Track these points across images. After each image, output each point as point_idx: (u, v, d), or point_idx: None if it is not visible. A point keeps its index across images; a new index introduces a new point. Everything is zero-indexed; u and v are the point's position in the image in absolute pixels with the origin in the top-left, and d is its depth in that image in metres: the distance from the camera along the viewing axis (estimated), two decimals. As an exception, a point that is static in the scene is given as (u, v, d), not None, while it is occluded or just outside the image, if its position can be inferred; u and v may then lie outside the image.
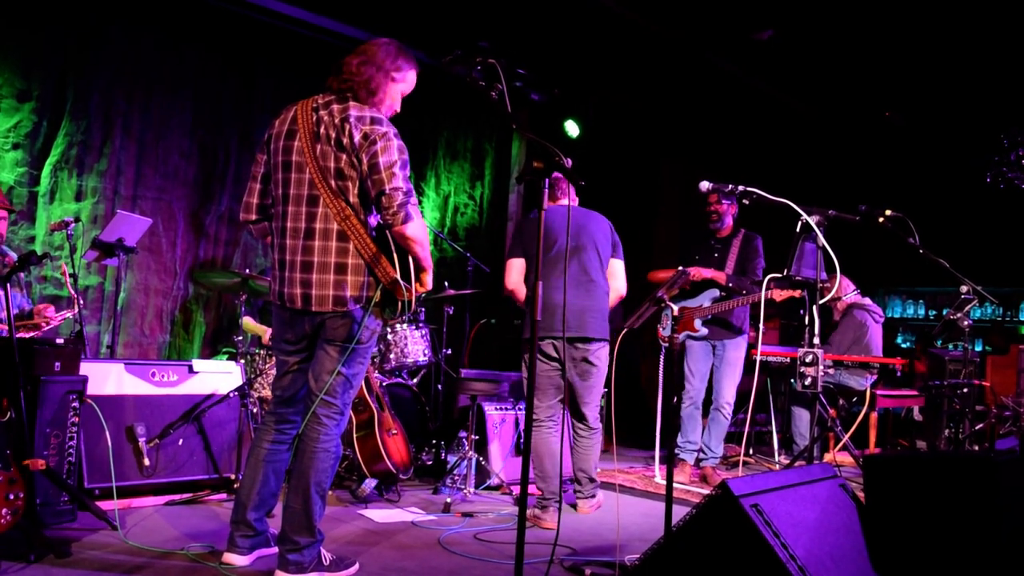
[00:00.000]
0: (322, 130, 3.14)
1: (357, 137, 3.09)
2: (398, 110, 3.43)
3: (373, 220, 3.22)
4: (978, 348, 9.42)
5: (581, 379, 4.63)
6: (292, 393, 3.40)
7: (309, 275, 3.17)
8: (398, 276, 3.14)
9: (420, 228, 3.14)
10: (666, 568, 2.52)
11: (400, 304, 3.22)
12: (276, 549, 3.37)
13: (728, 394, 5.77)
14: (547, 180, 2.81)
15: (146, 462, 4.25)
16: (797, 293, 4.88)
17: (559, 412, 4.62)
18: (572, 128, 8.13)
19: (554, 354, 4.56)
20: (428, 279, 3.33)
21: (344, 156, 3.12)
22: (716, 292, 5.74)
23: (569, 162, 2.86)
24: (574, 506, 4.87)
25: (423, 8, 6.66)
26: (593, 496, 4.83)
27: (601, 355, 4.64)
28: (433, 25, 6.89)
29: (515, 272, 4.65)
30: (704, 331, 5.75)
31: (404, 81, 3.40)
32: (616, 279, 4.74)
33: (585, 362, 4.60)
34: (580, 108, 8.24)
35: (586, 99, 8.26)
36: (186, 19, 6.14)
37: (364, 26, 6.84)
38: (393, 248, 3.17)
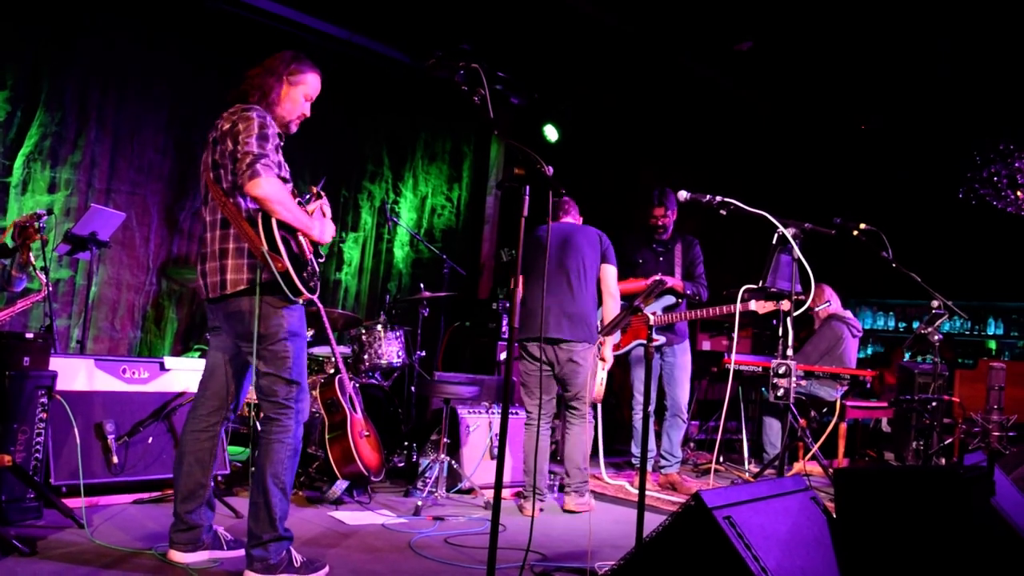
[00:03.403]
0: (212, 134, 3.31)
1: (227, 126, 3.23)
2: (307, 113, 3.52)
3: (250, 203, 3.23)
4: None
5: (568, 377, 4.86)
6: (212, 384, 3.45)
7: (204, 264, 3.31)
8: (265, 248, 3.11)
9: (271, 185, 3.10)
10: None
11: (289, 281, 3.15)
12: (230, 552, 3.44)
13: (684, 398, 5.85)
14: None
15: (115, 460, 4.19)
16: (784, 305, 4.92)
17: (550, 410, 4.93)
18: (551, 133, 8.15)
19: (541, 356, 4.81)
20: (317, 235, 3.34)
21: (219, 147, 3.24)
22: (671, 299, 5.78)
23: (550, 170, 2.86)
24: (562, 503, 5.01)
25: (403, 9, 6.65)
26: (581, 493, 4.94)
27: (587, 356, 4.86)
28: (414, 27, 6.88)
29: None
30: (662, 339, 5.79)
31: (304, 84, 3.47)
32: (607, 284, 4.98)
33: (571, 362, 4.83)
34: (560, 113, 8.26)
35: (566, 104, 8.28)
36: (163, 13, 6.09)
37: (343, 24, 6.82)
38: (260, 220, 3.16)
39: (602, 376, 5.05)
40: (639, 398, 5.86)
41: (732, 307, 5.34)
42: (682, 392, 5.85)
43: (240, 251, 3.23)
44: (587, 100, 8.42)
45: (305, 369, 3.38)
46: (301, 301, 3.29)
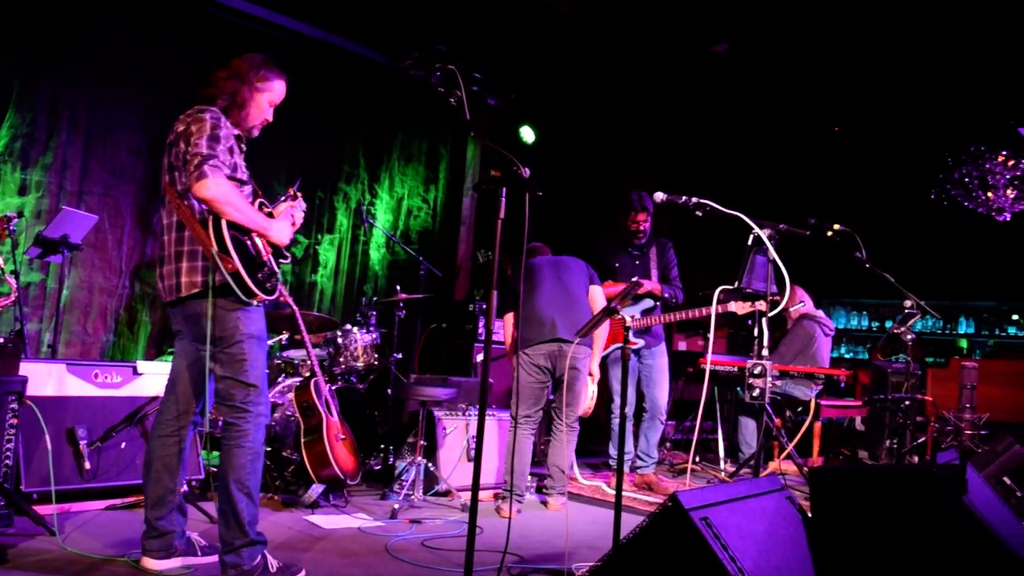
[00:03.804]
0: (169, 136, 3.30)
1: (181, 128, 3.23)
2: (270, 119, 3.53)
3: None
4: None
5: (569, 385, 4.99)
6: (177, 388, 3.43)
7: (162, 268, 3.32)
8: (214, 249, 3.10)
9: (218, 186, 3.09)
10: (616, 579, 2.53)
11: (241, 283, 3.13)
12: (204, 558, 3.44)
13: (664, 399, 5.90)
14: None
15: (87, 465, 4.14)
16: (762, 306, 4.96)
17: (537, 418, 5.07)
18: (528, 134, 8.15)
19: (546, 365, 4.96)
20: (274, 236, 3.33)
21: (173, 150, 3.24)
22: (649, 302, 5.82)
23: (527, 171, 2.86)
24: (544, 503, 5.12)
25: (380, 9, 6.63)
26: (563, 493, 5.07)
27: (586, 363, 5.07)
28: (390, 27, 6.86)
29: (510, 326, 5.16)
30: (640, 342, 5.82)
31: (270, 91, 3.48)
32: (596, 301, 5.19)
33: (573, 368, 4.98)
34: (536, 114, 8.26)
35: (543, 105, 8.28)
36: (135, 12, 6.03)
37: (319, 24, 6.79)
38: (210, 222, 3.14)
39: (592, 390, 5.17)
40: (617, 400, 5.88)
41: (711, 309, 5.37)
42: (662, 393, 5.89)
43: (194, 253, 3.23)
44: (564, 101, 8.43)
45: (265, 372, 3.36)
46: (256, 303, 3.27)
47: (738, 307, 5.34)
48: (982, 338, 10.81)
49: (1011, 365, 6.59)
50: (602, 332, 5.19)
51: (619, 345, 5.77)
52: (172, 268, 3.26)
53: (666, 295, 5.85)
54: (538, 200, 2.85)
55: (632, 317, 5.78)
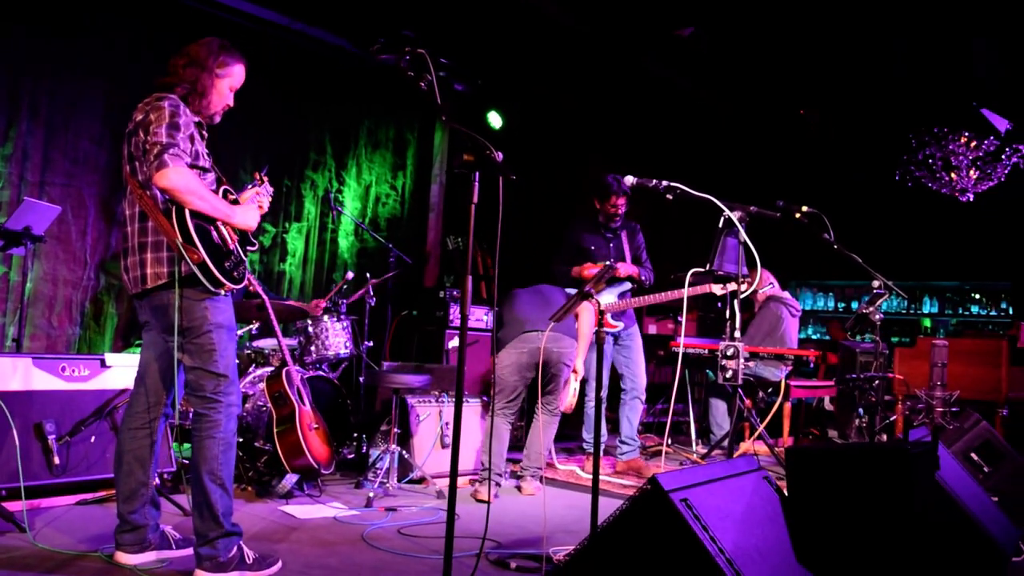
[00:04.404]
0: (128, 125, 3.25)
1: (140, 117, 3.19)
2: (231, 104, 3.49)
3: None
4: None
5: (552, 378, 5.12)
6: (147, 380, 3.40)
7: (127, 259, 3.27)
8: (179, 240, 3.07)
9: (179, 175, 3.06)
10: (598, 561, 2.54)
11: (208, 273, 3.11)
12: (179, 551, 3.41)
13: (643, 380, 5.98)
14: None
15: (56, 460, 4.07)
16: (741, 287, 5.00)
17: (516, 407, 5.16)
18: (495, 119, 8.12)
19: (529, 360, 5.05)
20: (239, 222, 3.31)
21: (133, 139, 3.20)
22: (627, 285, 5.86)
23: (500, 155, 2.84)
24: (519, 488, 5.17)
25: (345, -5, 6.57)
26: (536, 477, 5.13)
27: (572, 357, 5.16)
28: (355, 13, 6.79)
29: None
30: (620, 324, 5.85)
31: (230, 76, 3.44)
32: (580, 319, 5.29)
33: (560, 363, 5.10)
34: (504, 99, 8.23)
35: (513, 91, 8.25)
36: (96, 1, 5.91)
37: (284, 11, 6.70)
38: (173, 212, 3.11)
39: (575, 386, 5.22)
40: (592, 383, 5.90)
41: (693, 290, 5.42)
42: (641, 373, 5.98)
43: (159, 244, 3.18)
44: (531, 87, 8.40)
45: (234, 361, 3.34)
46: (224, 292, 3.24)
47: (718, 288, 5.38)
48: (945, 317, 10.98)
49: (974, 343, 6.69)
50: (587, 330, 5.22)
51: (595, 329, 5.80)
52: (137, 260, 3.22)
53: (643, 278, 5.89)
54: (512, 184, 2.83)
55: (611, 300, 5.82)
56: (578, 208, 6.98)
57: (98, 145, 5.97)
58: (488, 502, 4.53)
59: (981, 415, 5.03)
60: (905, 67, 7.31)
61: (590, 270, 5.68)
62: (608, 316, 5.81)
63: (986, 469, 4.68)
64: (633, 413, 5.94)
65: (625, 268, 5.82)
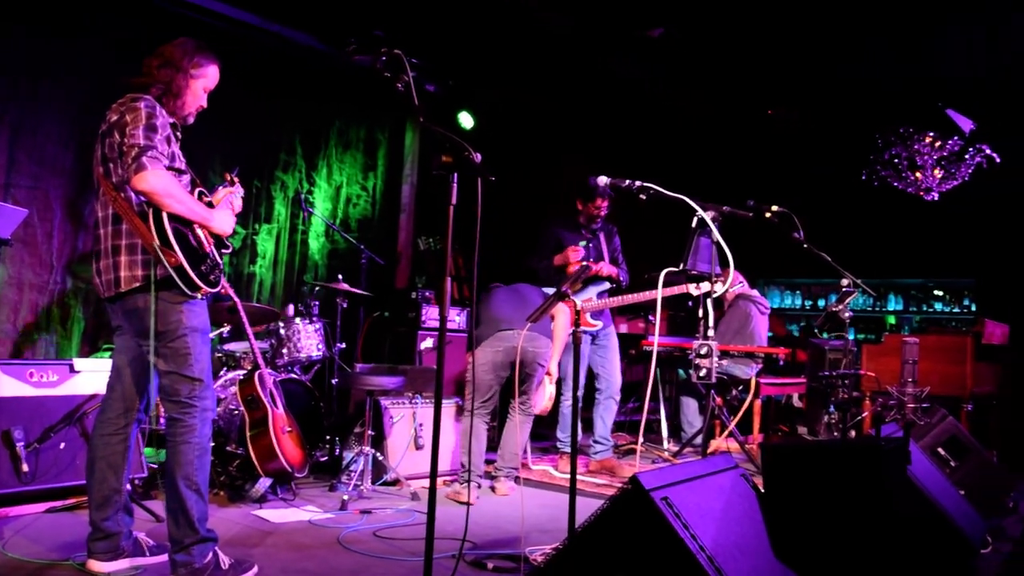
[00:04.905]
0: (101, 126, 3.22)
1: (114, 118, 3.16)
2: (204, 105, 3.48)
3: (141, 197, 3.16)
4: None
5: (527, 377, 5.16)
6: (119, 385, 3.37)
7: (98, 262, 3.24)
8: (156, 243, 3.05)
9: (157, 177, 3.04)
10: (578, 561, 2.55)
11: (184, 276, 3.09)
12: (152, 558, 3.38)
13: (619, 380, 6.02)
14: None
15: (25, 468, 4.02)
16: (717, 287, 5.05)
17: (491, 407, 5.19)
18: (466, 120, 8.12)
19: (504, 360, 5.05)
20: (216, 226, 3.30)
21: (107, 140, 3.17)
22: (605, 285, 5.90)
23: (479, 156, 2.84)
24: (492, 488, 5.17)
25: (315, -5, 6.53)
26: (510, 477, 5.15)
27: (547, 357, 5.19)
28: (326, 13, 6.74)
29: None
30: (600, 324, 5.88)
31: (205, 77, 3.43)
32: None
33: (536, 364, 5.13)
34: (476, 100, 8.22)
35: (484, 91, 8.24)
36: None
37: (255, 11, 6.64)
38: (151, 214, 3.09)
39: (550, 390, 5.25)
40: (569, 384, 5.92)
41: (670, 290, 5.46)
42: (617, 373, 6.02)
43: (133, 247, 3.15)
44: (507, 89, 8.40)
45: (210, 365, 3.31)
46: (200, 296, 3.21)
47: (695, 288, 5.43)
48: (909, 314, 11.14)
49: (940, 340, 6.79)
50: (562, 332, 5.25)
51: (584, 328, 5.84)
52: (110, 262, 3.18)
53: (621, 278, 5.94)
54: (490, 185, 2.83)
55: (588, 301, 5.85)
56: (550, 208, 6.99)
57: (64, 147, 5.88)
58: (469, 503, 4.52)
59: (947, 411, 5.12)
60: (872, 68, 7.40)
61: (576, 253, 5.71)
62: (588, 315, 5.84)
63: (953, 463, 4.75)
64: (607, 413, 5.97)
65: (606, 268, 5.87)
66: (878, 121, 8.18)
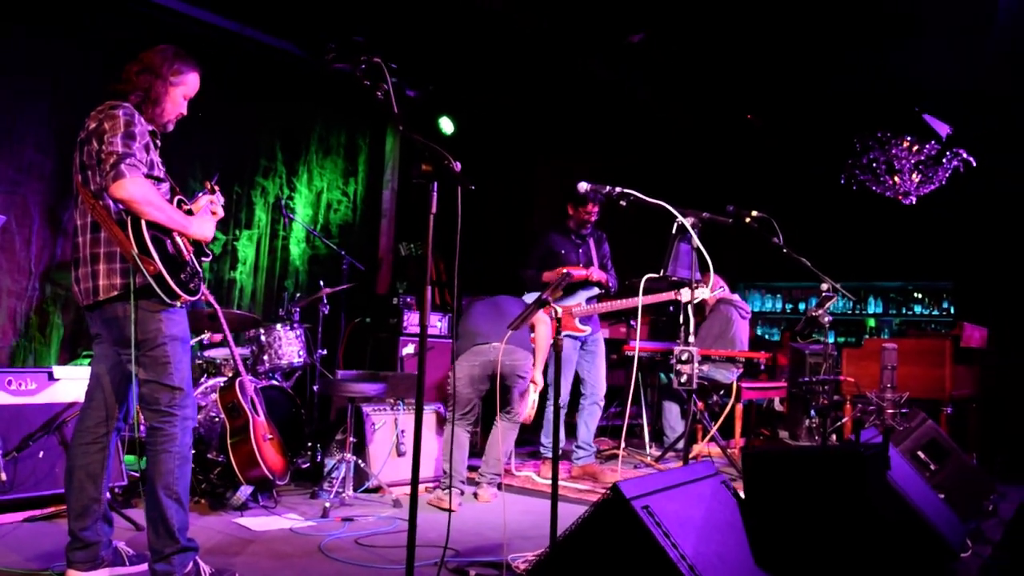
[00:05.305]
0: (80, 133, 3.20)
1: (93, 125, 3.14)
2: (184, 112, 3.46)
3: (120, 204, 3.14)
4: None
5: (510, 388, 5.18)
6: (98, 393, 3.34)
7: (78, 271, 3.22)
8: (135, 251, 3.04)
9: (136, 185, 3.03)
10: (560, 570, 2.55)
11: (164, 284, 3.08)
12: (132, 567, 3.37)
13: (603, 385, 6.01)
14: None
15: (2, 476, 3.98)
16: (705, 293, 5.09)
17: (472, 417, 5.23)
18: (446, 125, 8.12)
19: (483, 373, 5.09)
20: (195, 233, 3.29)
21: (86, 148, 3.15)
22: (594, 290, 5.91)
23: (458, 165, 2.84)
24: (475, 495, 5.17)
25: (294, 1, 6.50)
26: (493, 484, 5.15)
27: (527, 369, 5.20)
28: (304, 18, 6.73)
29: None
30: (588, 329, 5.90)
31: (184, 84, 3.41)
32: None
33: (516, 376, 5.15)
34: (455, 105, 8.22)
35: (463, 95, 8.24)
36: (39, 4, 5.77)
37: (232, 16, 6.62)
38: (128, 222, 3.08)
39: (534, 398, 5.25)
40: (551, 389, 5.93)
41: (657, 297, 5.47)
42: (602, 379, 6.03)
43: (111, 255, 3.13)
44: (483, 93, 8.40)
45: (189, 374, 3.30)
46: (180, 304, 3.20)
47: (684, 294, 5.42)
48: (889, 317, 11.21)
49: (919, 343, 6.82)
50: (543, 343, 5.25)
51: (570, 334, 5.87)
52: (88, 271, 3.16)
53: (610, 284, 5.96)
54: (470, 193, 2.83)
55: (577, 306, 5.87)
56: (529, 212, 7.00)
57: (44, 152, 5.84)
58: (451, 510, 4.51)
59: (927, 414, 5.16)
60: (850, 73, 7.45)
61: (577, 272, 5.74)
62: (576, 321, 5.85)
63: (932, 467, 4.78)
64: (591, 418, 5.97)
65: (596, 273, 5.88)
66: (856, 125, 8.23)
